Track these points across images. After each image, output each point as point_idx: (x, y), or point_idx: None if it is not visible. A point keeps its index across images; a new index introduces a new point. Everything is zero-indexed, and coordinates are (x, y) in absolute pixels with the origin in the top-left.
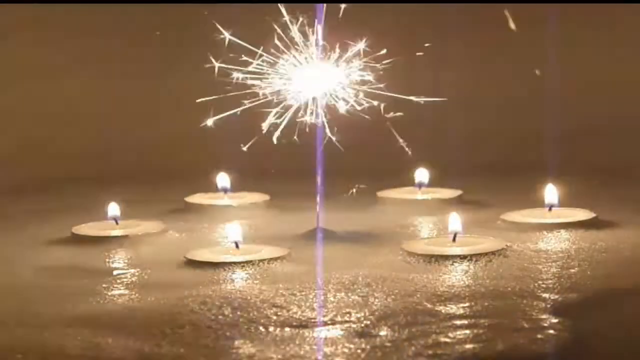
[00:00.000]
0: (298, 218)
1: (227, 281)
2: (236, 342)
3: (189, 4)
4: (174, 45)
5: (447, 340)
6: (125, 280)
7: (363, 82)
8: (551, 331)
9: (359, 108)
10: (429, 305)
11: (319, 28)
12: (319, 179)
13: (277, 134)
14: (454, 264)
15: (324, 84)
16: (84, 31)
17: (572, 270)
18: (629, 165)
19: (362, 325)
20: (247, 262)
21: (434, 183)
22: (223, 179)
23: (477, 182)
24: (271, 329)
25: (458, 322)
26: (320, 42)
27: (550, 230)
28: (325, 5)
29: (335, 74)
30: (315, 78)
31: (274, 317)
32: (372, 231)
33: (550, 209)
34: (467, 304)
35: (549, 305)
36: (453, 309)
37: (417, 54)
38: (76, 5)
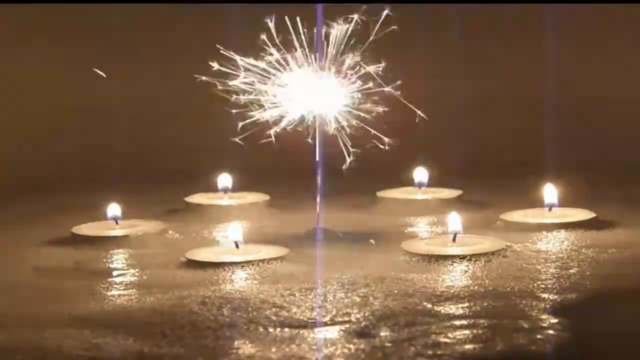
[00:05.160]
0: (298, 218)
1: (227, 281)
2: (236, 342)
3: (196, 4)
4: (173, 46)
5: (447, 340)
6: (124, 280)
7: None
8: (550, 331)
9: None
10: (428, 306)
11: (319, 33)
12: (319, 179)
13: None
14: (454, 264)
15: (326, 99)
16: (80, 31)
17: (572, 271)
18: (628, 165)
19: (362, 325)
20: (247, 262)
21: (434, 183)
22: (224, 179)
23: (477, 182)
24: (271, 329)
25: (458, 323)
26: (321, 48)
27: (550, 231)
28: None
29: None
30: (315, 93)
31: (274, 317)
32: (372, 231)
33: (550, 209)
34: (466, 304)
35: (548, 306)
36: (452, 309)
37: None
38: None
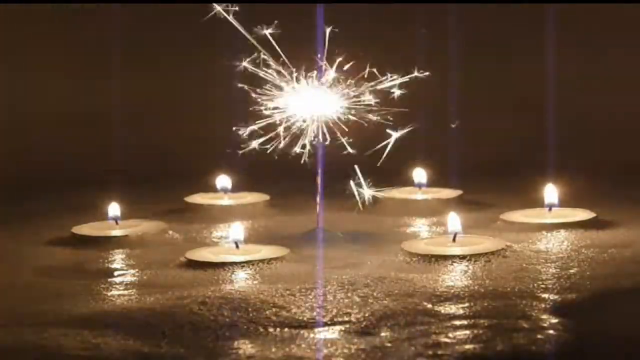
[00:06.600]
0: (298, 218)
1: (227, 281)
2: (236, 342)
3: (199, 3)
4: (175, 45)
5: (447, 340)
6: (124, 280)
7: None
8: (551, 331)
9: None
10: (428, 306)
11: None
12: (319, 179)
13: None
14: (454, 264)
15: (324, 106)
16: (82, 30)
17: (572, 271)
18: (629, 165)
19: (362, 325)
20: (247, 262)
21: (434, 183)
22: (223, 180)
23: (477, 182)
24: (271, 329)
25: (458, 323)
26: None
27: (550, 231)
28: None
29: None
30: (314, 100)
31: (274, 317)
32: (372, 231)
33: (550, 209)
34: (466, 304)
35: (548, 306)
36: (453, 309)
37: (422, 31)
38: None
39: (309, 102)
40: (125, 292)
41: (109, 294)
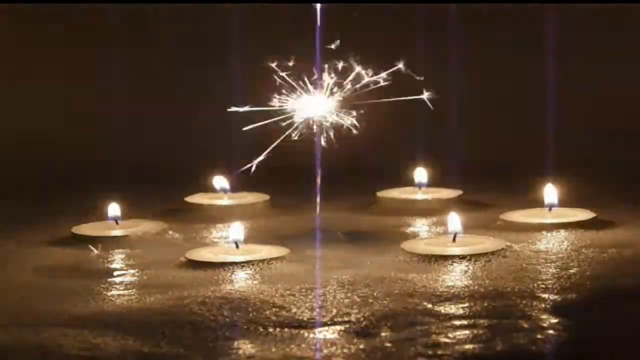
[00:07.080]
0: (298, 218)
1: (226, 281)
2: (236, 342)
3: (203, 4)
4: (175, 46)
5: (447, 340)
6: (124, 280)
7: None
8: (551, 331)
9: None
10: (428, 306)
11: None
12: (318, 179)
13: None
14: (454, 264)
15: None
16: (84, 31)
17: (572, 271)
18: (629, 165)
19: (362, 325)
20: (247, 262)
21: (434, 183)
22: (219, 181)
23: (477, 182)
24: (271, 329)
25: (458, 323)
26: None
27: (550, 231)
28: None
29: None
30: (314, 102)
31: (274, 317)
32: (372, 231)
33: (550, 209)
34: (466, 304)
35: (548, 306)
36: (453, 309)
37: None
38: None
39: (308, 106)
40: (125, 292)
41: (109, 294)
